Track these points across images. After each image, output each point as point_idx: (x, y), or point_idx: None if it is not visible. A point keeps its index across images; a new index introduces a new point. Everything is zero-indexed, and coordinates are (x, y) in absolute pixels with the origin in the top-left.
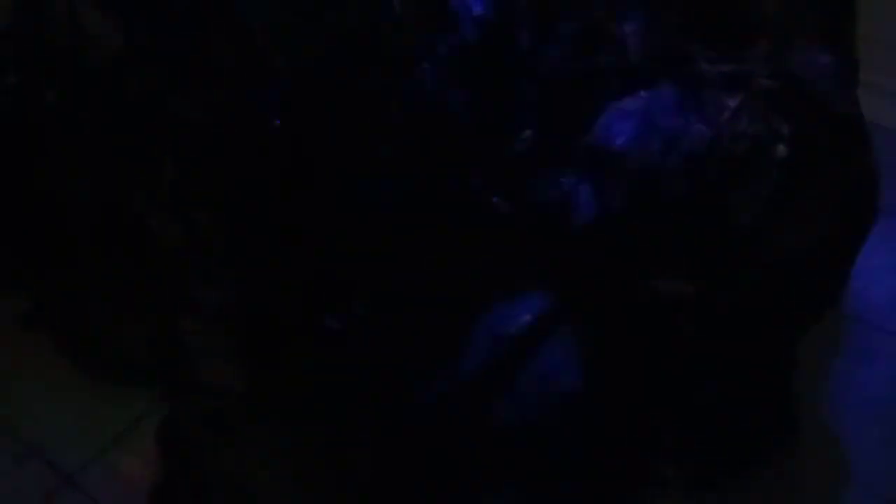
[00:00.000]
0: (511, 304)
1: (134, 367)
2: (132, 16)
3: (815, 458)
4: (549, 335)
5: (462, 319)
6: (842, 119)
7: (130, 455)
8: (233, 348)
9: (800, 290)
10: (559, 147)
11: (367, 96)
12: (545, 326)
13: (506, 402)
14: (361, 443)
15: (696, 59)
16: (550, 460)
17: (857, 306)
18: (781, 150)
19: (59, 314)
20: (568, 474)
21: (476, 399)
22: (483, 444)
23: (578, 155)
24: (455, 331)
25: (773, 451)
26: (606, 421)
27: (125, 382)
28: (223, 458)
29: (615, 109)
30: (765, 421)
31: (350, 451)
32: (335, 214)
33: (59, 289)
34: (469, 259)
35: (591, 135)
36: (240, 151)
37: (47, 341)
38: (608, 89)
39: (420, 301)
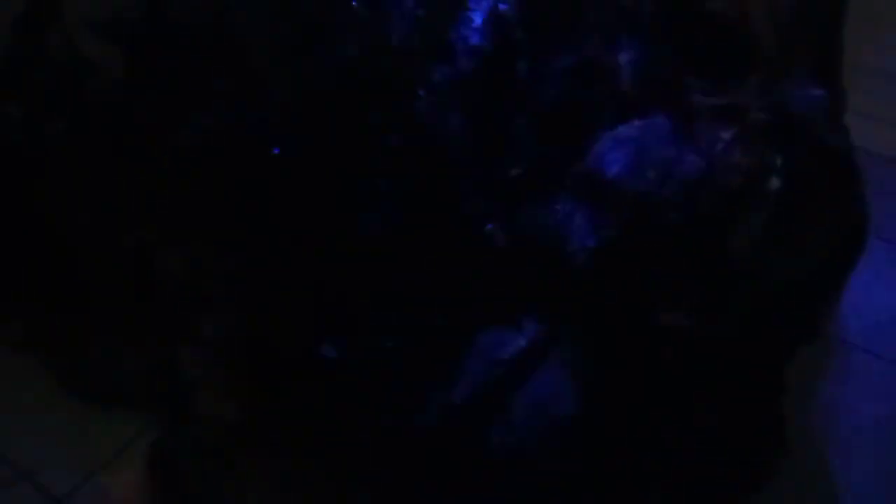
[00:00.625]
0: (505, 329)
1: (126, 392)
2: (132, 43)
3: (804, 485)
4: (544, 360)
5: (457, 345)
6: (833, 152)
7: (120, 480)
8: (230, 378)
9: (790, 316)
10: (554, 175)
11: (364, 126)
12: (539, 352)
13: (500, 426)
14: (358, 471)
15: (690, 91)
16: (544, 485)
17: (845, 329)
18: (775, 182)
19: (52, 339)
20: (561, 499)
21: (471, 423)
22: (478, 469)
23: (573, 183)
24: (450, 356)
25: (763, 477)
26: (599, 447)
27: (116, 407)
28: (217, 487)
29: (609, 138)
30: (754, 447)
31: (346, 480)
32: (332, 242)
33: (54, 313)
34: (464, 285)
35: (585, 163)
36: (238, 180)
37: (38, 365)
38: (602, 118)
39: (415, 327)
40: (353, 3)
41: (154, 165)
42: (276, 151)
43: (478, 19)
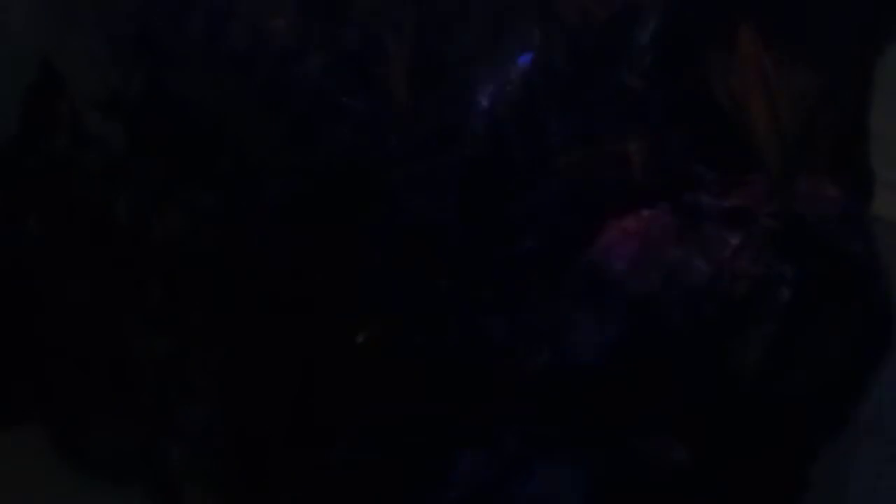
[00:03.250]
0: (501, 426)
1: (124, 471)
2: (132, 117)
3: None
4: (541, 464)
5: (450, 445)
6: (849, 259)
7: None
8: (216, 471)
9: (809, 420)
10: (557, 261)
11: (354, 224)
12: (536, 455)
13: None
14: None
15: (699, 183)
16: None
17: (874, 417)
18: (784, 293)
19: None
20: None
21: None
22: None
23: (577, 275)
24: (442, 459)
25: None
26: None
27: (117, 484)
28: None
29: (615, 229)
30: None
31: None
32: (322, 338)
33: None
34: (459, 386)
35: (590, 254)
36: (225, 271)
37: (35, 437)
38: (609, 205)
39: (406, 429)
40: (344, 99)
41: (143, 253)
42: (264, 242)
43: (484, 102)
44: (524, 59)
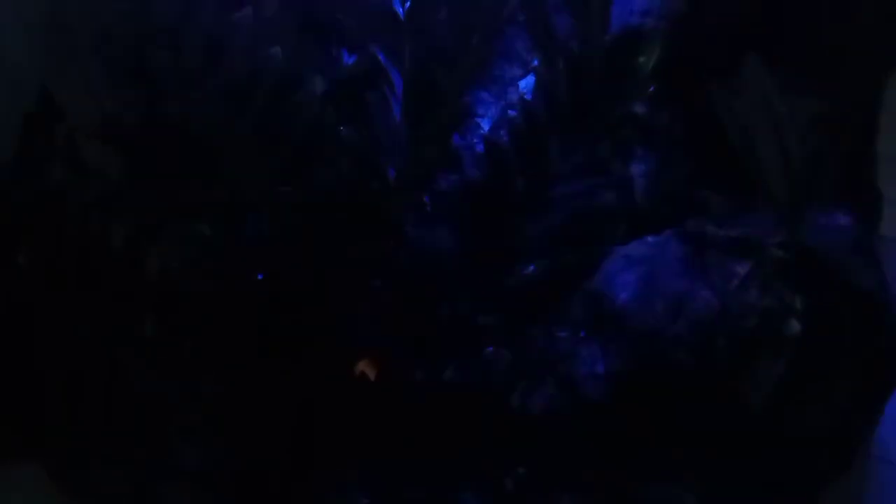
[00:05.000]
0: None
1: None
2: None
3: None
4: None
5: (449, 486)
6: (861, 290)
7: None
8: None
9: (819, 457)
10: (560, 289)
11: (354, 254)
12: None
13: None
14: None
15: (704, 217)
16: None
17: (887, 447)
18: (794, 325)
19: (47, 451)
20: None
21: None
22: None
23: (581, 305)
24: (445, 496)
25: None
26: None
27: None
28: None
29: (620, 256)
30: None
31: None
32: (320, 372)
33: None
34: (459, 421)
35: (594, 283)
36: (222, 306)
37: (32, 473)
38: (614, 231)
39: (404, 467)
40: (342, 129)
41: (136, 288)
42: (259, 277)
43: (486, 126)
44: (525, 84)
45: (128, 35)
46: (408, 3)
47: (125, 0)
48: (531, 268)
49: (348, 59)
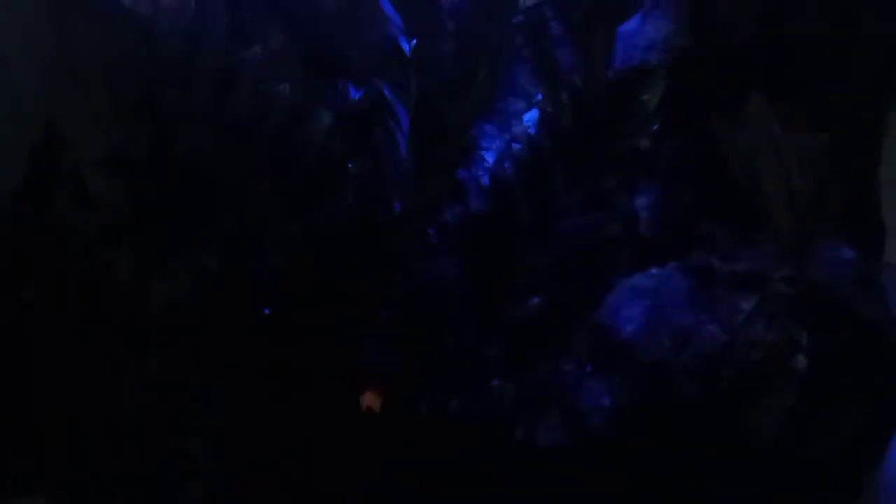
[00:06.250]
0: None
1: None
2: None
3: None
4: None
5: None
6: (867, 324)
7: None
8: None
9: (826, 492)
10: (565, 322)
11: (361, 289)
12: None
13: None
14: None
15: (708, 250)
16: None
17: (893, 480)
18: (801, 361)
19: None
20: None
21: None
22: None
23: (586, 337)
24: None
25: None
26: None
27: None
28: None
29: (625, 287)
30: None
31: None
32: (324, 404)
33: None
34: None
35: (599, 315)
36: (228, 340)
37: None
38: (618, 263)
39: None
40: (348, 163)
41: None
42: (266, 311)
43: (490, 159)
44: (529, 117)
45: (135, 69)
46: (413, 39)
47: (133, 34)
48: (536, 300)
49: (355, 94)
